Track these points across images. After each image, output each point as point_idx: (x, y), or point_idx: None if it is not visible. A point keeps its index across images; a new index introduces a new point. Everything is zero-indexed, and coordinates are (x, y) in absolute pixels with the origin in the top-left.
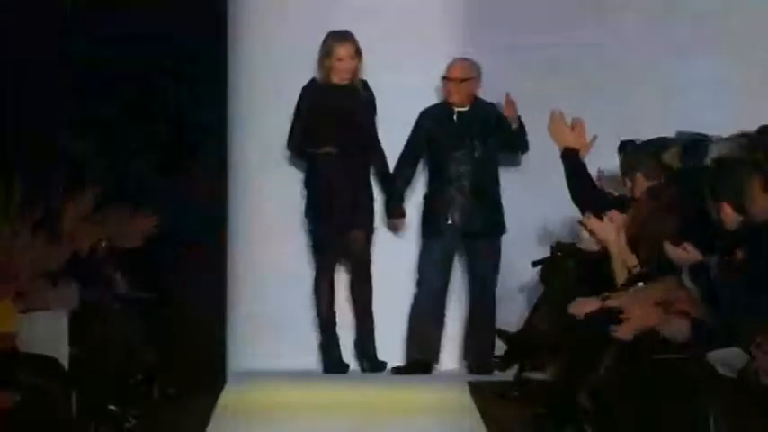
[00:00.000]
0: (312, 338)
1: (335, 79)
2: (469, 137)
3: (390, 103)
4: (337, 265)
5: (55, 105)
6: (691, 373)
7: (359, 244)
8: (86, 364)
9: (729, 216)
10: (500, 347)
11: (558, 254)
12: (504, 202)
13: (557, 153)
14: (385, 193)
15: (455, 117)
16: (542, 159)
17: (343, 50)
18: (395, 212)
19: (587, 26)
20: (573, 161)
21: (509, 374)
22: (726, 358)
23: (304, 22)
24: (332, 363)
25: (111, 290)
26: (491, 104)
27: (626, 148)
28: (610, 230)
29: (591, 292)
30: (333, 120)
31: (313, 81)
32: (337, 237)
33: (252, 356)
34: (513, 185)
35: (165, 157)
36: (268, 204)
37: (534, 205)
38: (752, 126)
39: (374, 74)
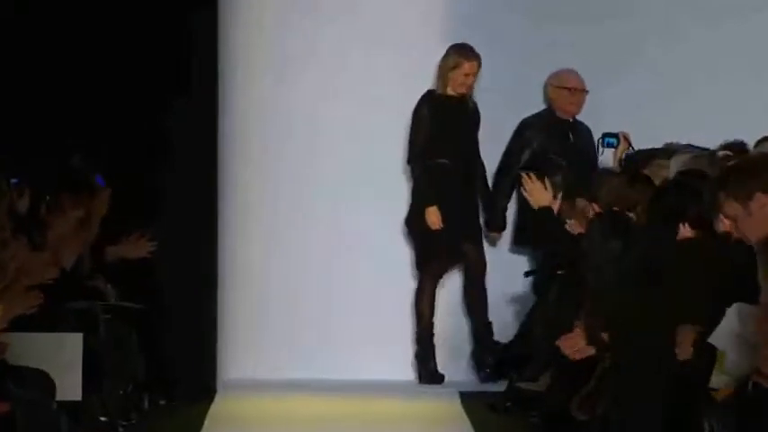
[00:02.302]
0: (300, 348)
1: (453, 92)
2: (578, 150)
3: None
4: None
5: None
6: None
7: (473, 255)
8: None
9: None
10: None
11: (550, 265)
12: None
13: None
14: (485, 206)
15: (569, 131)
16: None
17: (470, 67)
18: (496, 227)
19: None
20: (548, 216)
21: (501, 385)
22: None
23: (292, 42)
24: (428, 374)
25: (101, 301)
26: (586, 126)
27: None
28: (544, 195)
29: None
30: (448, 131)
31: (431, 92)
32: (448, 248)
33: (243, 366)
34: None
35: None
36: (259, 215)
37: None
38: None
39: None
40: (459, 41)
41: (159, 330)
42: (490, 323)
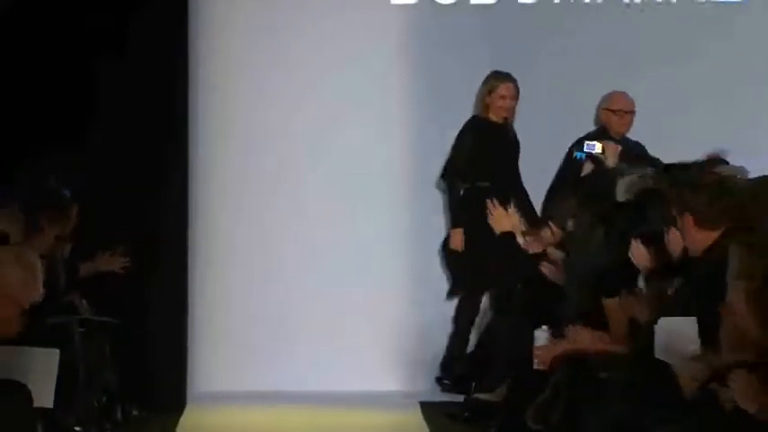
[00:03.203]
0: (268, 361)
1: (493, 117)
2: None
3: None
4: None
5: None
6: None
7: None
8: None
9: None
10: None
11: None
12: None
13: None
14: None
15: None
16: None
17: (505, 89)
18: None
19: None
20: (508, 242)
21: (460, 396)
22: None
23: (264, 62)
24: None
25: (76, 315)
26: (636, 141)
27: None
28: (506, 221)
29: (534, 317)
30: (490, 155)
31: (475, 117)
32: (476, 268)
33: (212, 378)
34: None
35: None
36: (229, 230)
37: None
38: None
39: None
40: (433, 49)
41: (132, 343)
42: (469, 338)
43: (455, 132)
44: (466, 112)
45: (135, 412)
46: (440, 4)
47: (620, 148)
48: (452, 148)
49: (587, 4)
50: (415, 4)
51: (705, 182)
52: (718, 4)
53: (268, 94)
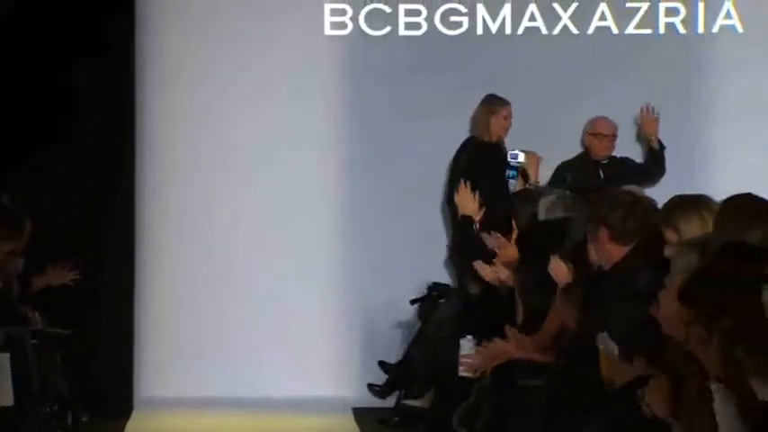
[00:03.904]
0: (212, 366)
1: (495, 137)
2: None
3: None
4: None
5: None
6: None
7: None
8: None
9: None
10: (381, 377)
11: (434, 293)
12: (390, 244)
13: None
14: None
15: (601, 171)
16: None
17: (506, 111)
18: None
19: None
20: (469, 227)
21: (390, 402)
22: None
23: (208, 87)
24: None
25: (28, 327)
26: (626, 158)
27: None
28: (471, 204)
29: (460, 327)
30: (482, 175)
31: (472, 137)
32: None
33: (159, 384)
34: (396, 229)
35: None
36: (175, 238)
37: (414, 245)
38: None
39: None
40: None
41: (81, 351)
42: None
43: (385, 152)
44: (394, 136)
45: (84, 418)
46: (370, 36)
47: (541, 158)
48: (449, 171)
49: (509, 36)
50: (348, 35)
51: (622, 200)
52: (628, 36)
53: (212, 116)
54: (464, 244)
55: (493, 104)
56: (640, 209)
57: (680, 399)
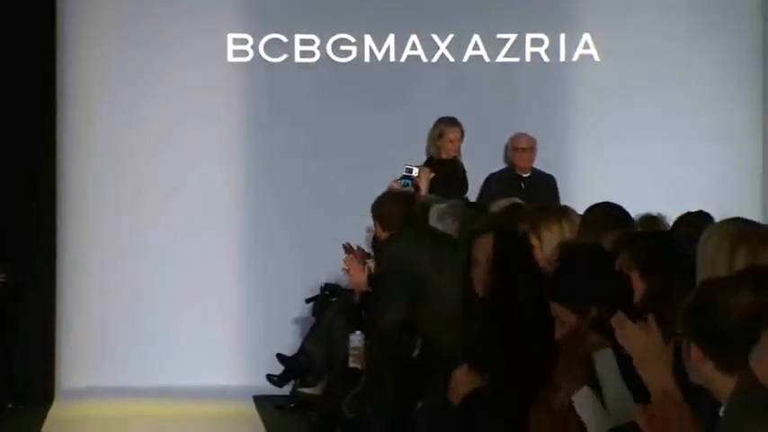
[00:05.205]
0: (126, 357)
1: (444, 155)
2: (527, 199)
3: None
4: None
5: None
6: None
7: None
8: None
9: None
10: (279, 368)
11: (326, 292)
12: (287, 248)
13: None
14: None
15: (522, 183)
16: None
17: (452, 133)
18: None
19: None
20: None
21: (287, 390)
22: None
23: (123, 110)
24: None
25: None
26: (548, 175)
27: None
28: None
29: (349, 323)
30: (441, 188)
31: (430, 158)
32: None
33: (79, 374)
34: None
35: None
36: (98, 231)
37: (308, 249)
38: None
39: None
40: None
41: (5, 343)
42: None
43: (283, 166)
44: (291, 152)
45: (10, 405)
46: (269, 62)
47: (431, 173)
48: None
49: (393, 63)
50: (248, 62)
51: (495, 210)
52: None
53: (130, 128)
54: (373, 248)
55: (438, 127)
56: (514, 216)
57: None
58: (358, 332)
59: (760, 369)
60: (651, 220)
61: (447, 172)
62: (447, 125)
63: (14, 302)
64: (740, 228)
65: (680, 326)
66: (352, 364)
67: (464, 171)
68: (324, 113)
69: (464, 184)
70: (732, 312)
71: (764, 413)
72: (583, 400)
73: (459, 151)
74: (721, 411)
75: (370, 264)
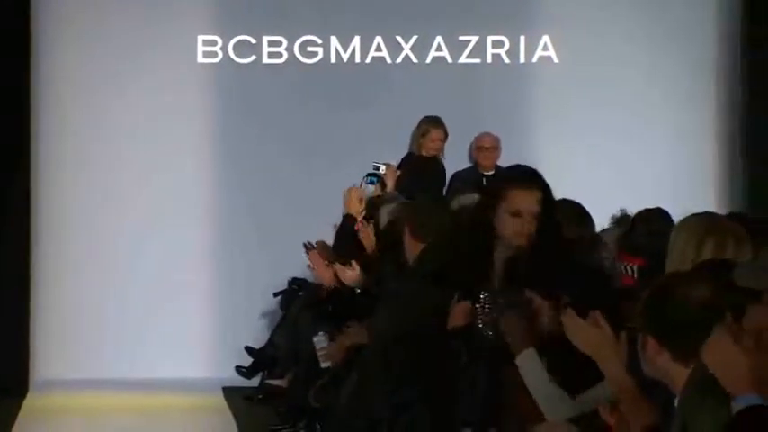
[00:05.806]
0: (99, 350)
1: (424, 153)
2: None
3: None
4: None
5: None
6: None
7: None
8: None
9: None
10: (247, 360)
11: (294, 287)
12: (256, 244)
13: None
14: None
15: (484, 180)
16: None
17: (435, 133)
18: None
19: None
20: (348, 222)
21: (255, 381)
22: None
23: (96, 110)
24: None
25: None
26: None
27: None
28: (356, 206)
29: (317, 317)
30: (422, 185)
31: (411, 154)
32: None
33: (54, 366)
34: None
35: None
36: (73, 221)
37: (277, 245)
38: None
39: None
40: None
41: None
42: None
43: (252, 165)
44: (259, 150)
45: None
46: (238, 63)
47: (398, 172)
48: (394, 183)
49: (358, 64)
50: (218, 63)
51: (420, 202)
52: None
53: (104, 125)
54: (337, 239)
55: (422, 127)
56: (435, 210)
57: None
58: (321, 333)
59: (709, 358)
60: (624, 218)
61: (426, 170)
62: (432, 125)
63: None
64: (708, 222)
65: (636, 320)
66: (323, 365)
67: (443, 170)
68: (291, 113)
69: (443, 183)
70: (689, 304)
71: (713, 401)
72: (528, 361)
73: (441, 151)
74: (676, 402)
75: (337, 266)
